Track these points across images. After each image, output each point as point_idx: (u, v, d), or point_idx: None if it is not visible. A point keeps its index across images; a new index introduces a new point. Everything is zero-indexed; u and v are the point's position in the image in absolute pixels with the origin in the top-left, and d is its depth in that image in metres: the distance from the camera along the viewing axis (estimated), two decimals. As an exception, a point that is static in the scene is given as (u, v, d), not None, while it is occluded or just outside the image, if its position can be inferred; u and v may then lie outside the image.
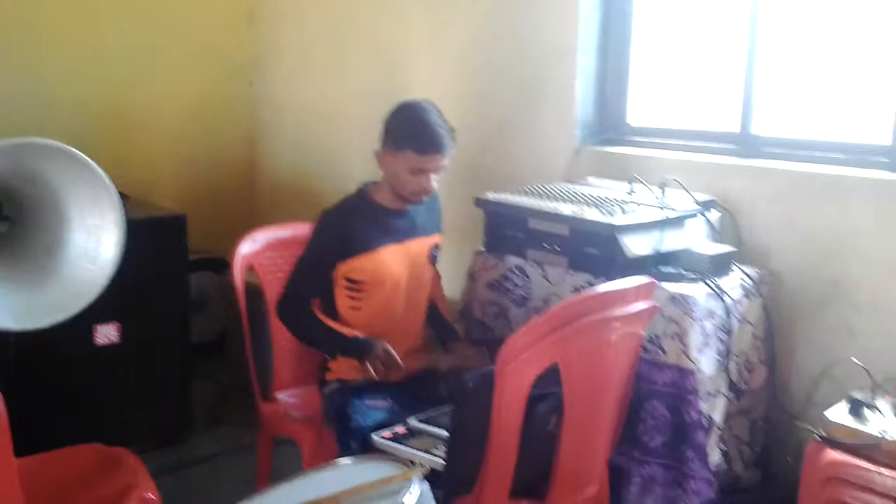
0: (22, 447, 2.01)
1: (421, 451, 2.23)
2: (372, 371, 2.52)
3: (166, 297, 3.52)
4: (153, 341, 3.47)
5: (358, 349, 2.56)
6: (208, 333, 4.21)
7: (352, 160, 4.06)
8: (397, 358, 2.53)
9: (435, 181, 2.59)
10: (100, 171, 2.24)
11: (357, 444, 2.42)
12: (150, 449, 3.24)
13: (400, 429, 2.37)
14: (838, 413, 2.26)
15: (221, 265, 4.15)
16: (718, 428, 2.52)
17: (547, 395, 2.13)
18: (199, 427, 3.70)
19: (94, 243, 2.33)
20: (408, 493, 1.68)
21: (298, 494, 1.78)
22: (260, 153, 4.79)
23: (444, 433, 2.26)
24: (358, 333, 2.59)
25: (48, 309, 2.27)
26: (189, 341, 3.65)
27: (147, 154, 4.37)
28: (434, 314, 2.85)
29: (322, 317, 2.64)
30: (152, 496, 2.13)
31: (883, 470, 2.11)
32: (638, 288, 2.21)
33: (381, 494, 1.73)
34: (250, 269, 2.95)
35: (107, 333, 3.33)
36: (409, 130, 2.55)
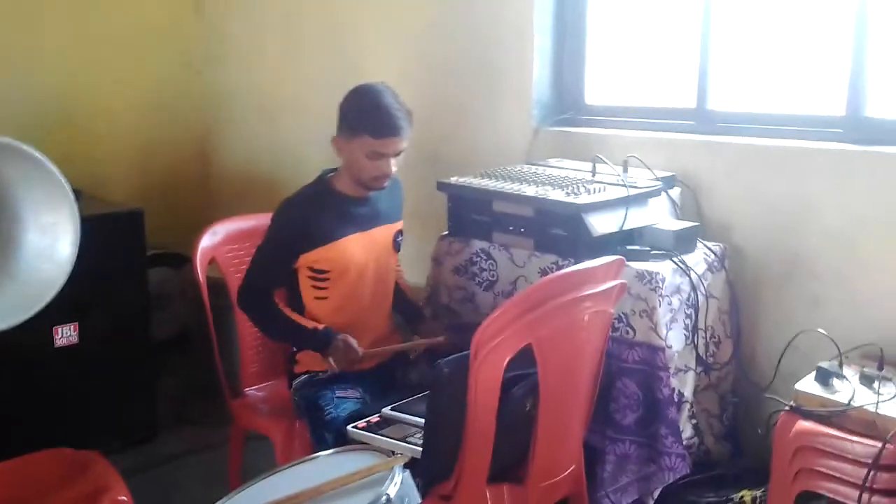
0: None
1: (397, 439, 2.21)
2: (332, 363, 2.51)
3: (125, 294, 3.46)
4: (114, 340, 3.41)
5: (317, 341, 2.55)
6: (168, 331, 4.14)
7: (308, 149, 4.01)
8: (357, 348, 2.51)
9: (394, 165, 2.56)
10: (52, 166, 2.18)
11: (332, 435, 2.40)
12: (116, 450, 3.19)
13: (374, 418, 2.35)
14: (807, 383, 2.29)
15: (179, 260, 4.09)
16: (689, 403, 2.54)
17: (522, 377, 2.13)
18: (164, 426, 3.64)
19: (49, 241, 2.27)
20: (391, 483, 1.67)
21: (280, 488, 1.76)
22: (213, 145, 4.71)
23: (419, 421, 2.24)
24: (318, 325, 2.56)
25: (6, 311, 2.21)
26: (150, 339, 3.60)
27: (96, 149, 4.26)
28: (398, 295, 2.83)
29: (283, 308, 2.61)
30: (125, 498, 2.09)
31: (852, 437, 2.15)
32: (607, 266, 2.22)
33: (364, 485, 1.72)
34: (212, 262, 2.90)
35: (66, 334, 3.26)
36: (364, 114, 2.52)
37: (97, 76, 4.24)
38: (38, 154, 2.16)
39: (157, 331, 3.78)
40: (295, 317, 2.59)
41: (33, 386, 3.22)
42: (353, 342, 2.52)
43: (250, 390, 2.91)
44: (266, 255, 2.62)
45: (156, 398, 3.62)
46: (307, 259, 2.58)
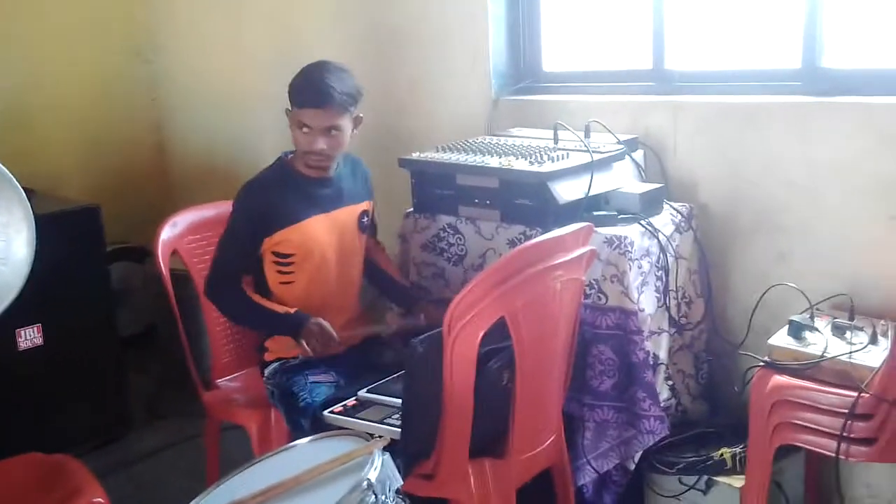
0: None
1: (375, 421, 2.19)
2: (307, 348, 2.47)
3: (88, 291, 3.40)
4: (79, 339, 3.35)
5: (290, 325, 2.50)
6: (135, 325, 4.09)
7: (263, 133, 3.96)
8: (332, 331, 2.48)
9: (324, 142, 2.47)
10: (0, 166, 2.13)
11: (308, 421, 2.37)
12: (90, 450, 3.15)
13: (350, 402, 2.32)
14: (780, 338, 2.30)
15: (141, 254, 4.03)
16: (664, 365, 2.54)
17: (497, 351, 2.11)
18: (137, 422, 3.60)
19: (2, 243, 2.21)
20: (371, 467, 1.65)
21: (259, 479, 1.73)
22: (167, 134, 4.63)
23: (396, 401, 2.22)
24: (290, 309, 2.52)
25: (-36, 320, 2.16)
26: (116, 335, 3.54)
27: (46, 145, 4.18)
28: (387, 282, 2.80)
29: (252, 294, 2.56)
30: (101, 500, 2.06)
31: (828, 388, 2.16)
32: (576, 233, 2.21)
33: (344, 471, 1.70)
34: (174, 254, 2.84)
35: (30, 336, 3.19)
36: (293, 84, 2.50)
37: (42, 70, 4.15)
38: (-18, 153, 2.10)
39: (122, 326, 3.72)
40: (265, 302, 2.55)
41: (-1, 391, 3.16)
42: (328, 325, 2.48)
43: (223, 381, 2.88)
44: (230, 242, 2.57)
45: (127, 395, 3.57)
46: (271, 242, 2.54)
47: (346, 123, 2.49)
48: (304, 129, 2.47)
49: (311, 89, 2.45)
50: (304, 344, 2.47)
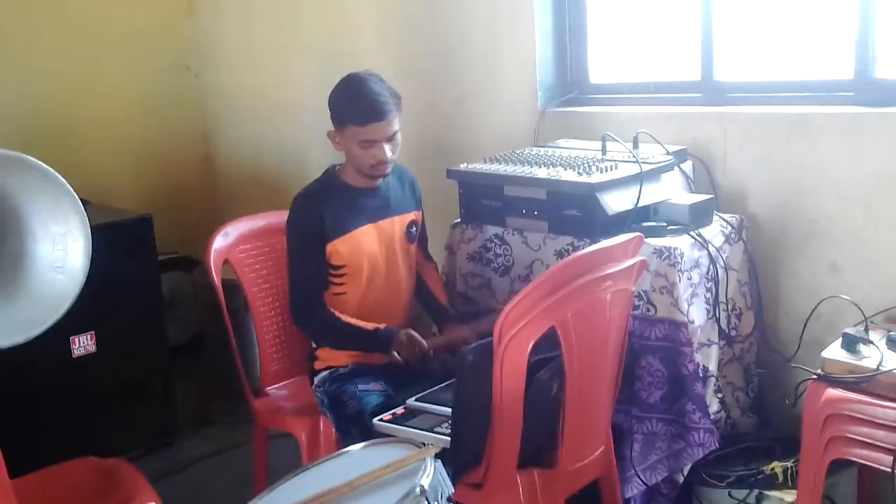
0: (8, 468, 1.95)
1: (424, 430, 2.20)
2: (398, 359, 2.49)
3: (139, 300, 3.46)
4: (130, 347, 3.41)
5: (380, 341, 2.52)
6: (183, 334, 4.14)
7: (310, 146, 4.00)
8: (421, 340, 2.50)
9: (389, 150, 2.51)
10: (59, 176, 2.17)
11: (357, 429, 2.38)
12: (139, 456, 3.19)
13: (399, 410, 2.33)
14: (833, 350, 2.27)
15: (189, 264, 4.08)
16: (714, 377, 2.52)
17: (546, 360, 2.11)
18: (185, 429, 3.64)
19: (61, 252, 2.25)
20: (424, 474, 1.65)
21: (312, 485, 1.74)
22: (214, 146, 4.70)
23: (445, 410, 2.23)
24: (379, 325, 2.54)
25: (22, 325, 2.19)
26: (166, 344, 3.59)
27: (98, 157, 4.26)
28: (428, 298, 2.81)
29: (339, 314, 2.57)
30: (155, 504, 2.09)
31: (883, 402, 2.12)
32: (626, 244, 2.20)
33: (397, 477, 1.70)
34: (225, 263, 2.88)
35: (83, 343, 3.25)
36: (347, 104, 2.50)
37: (93, 84, 4.23)
38: (43, 165, 2.14)
39: (171, 335, 3.77)
40: (352, 321, 2.56)
41: (54, 397, 3.22)
42: (416, 335, 2.50)
43: (272, 389, 2.90)
44: (300, 261, 2.58)
45: (175, 402, 3.62)
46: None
47: (399, 125, 2.53)
48: (365, 144, 2.49)
49: (370, 105, 2.46)
50: (396, 355, 2.49)
